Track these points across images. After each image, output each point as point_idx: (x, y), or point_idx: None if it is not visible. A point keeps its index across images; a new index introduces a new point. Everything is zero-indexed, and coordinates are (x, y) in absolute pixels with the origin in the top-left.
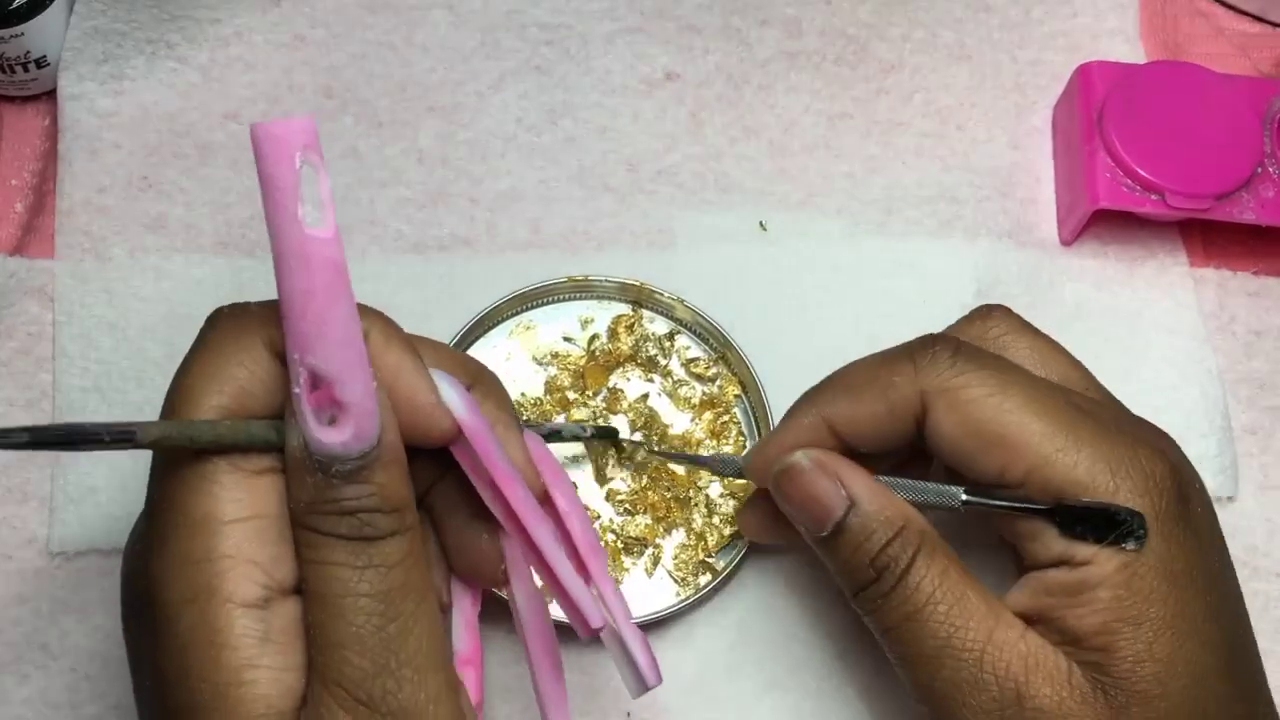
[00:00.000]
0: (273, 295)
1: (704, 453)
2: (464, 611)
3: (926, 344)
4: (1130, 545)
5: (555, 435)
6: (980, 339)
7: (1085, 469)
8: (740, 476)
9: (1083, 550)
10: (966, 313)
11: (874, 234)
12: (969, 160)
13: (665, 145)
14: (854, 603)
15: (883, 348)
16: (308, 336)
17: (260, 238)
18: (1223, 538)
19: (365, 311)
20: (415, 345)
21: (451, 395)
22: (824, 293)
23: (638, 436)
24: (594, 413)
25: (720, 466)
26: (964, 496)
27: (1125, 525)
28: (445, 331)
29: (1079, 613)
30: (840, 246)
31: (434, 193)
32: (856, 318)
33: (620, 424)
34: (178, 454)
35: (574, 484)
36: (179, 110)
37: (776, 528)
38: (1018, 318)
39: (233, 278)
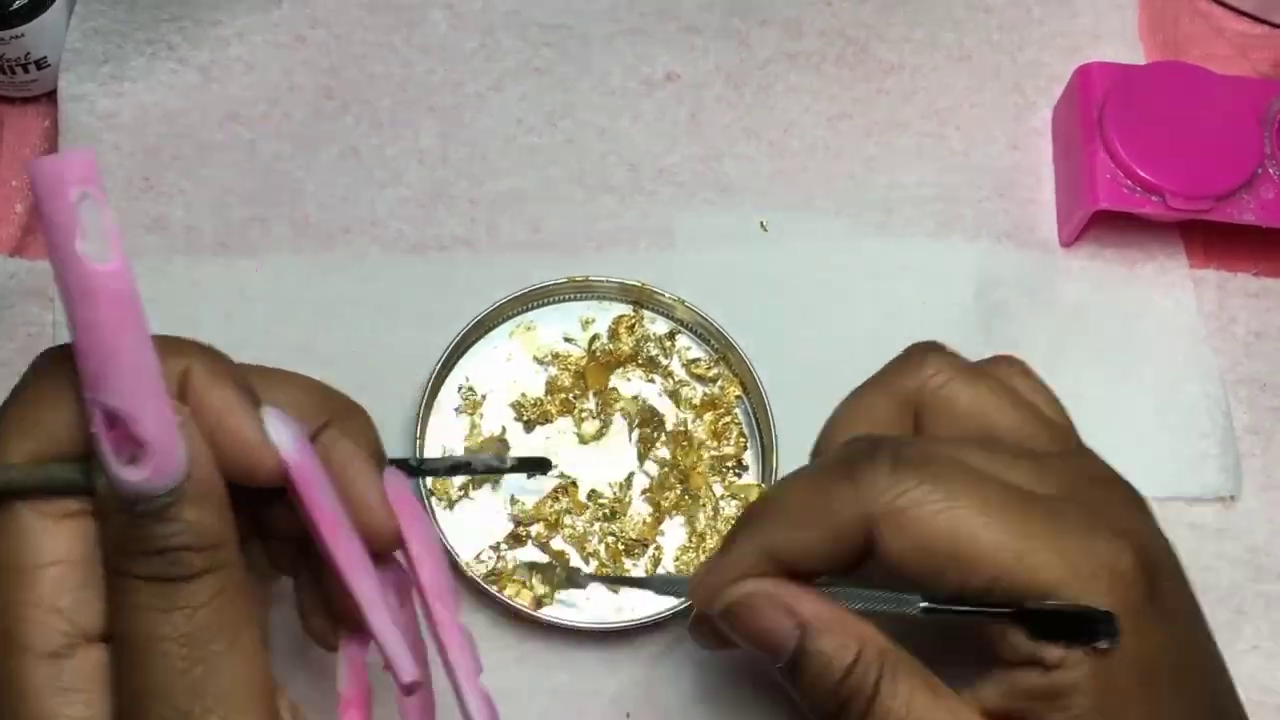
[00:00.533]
0: (270, 295)
1: (705, 454)
2: (349, 650)
3: (862, 455)
4: (1103, 644)
5: (464, 467)
6: (919, 390)
7: (1046, 575)
8: (685, 597)
9: (1053, 652)
10: (900, 354)
11: (874, 234)
12: (969, 161)
13: (665, 146)
14: None
15: (882, 348)
16: (96, 373)
17: (261, 239)
18: (1196, 607)
19: (186, 347)
20: (264, 380)
21: (281, 434)
22: (824, 293)
23: (579, 564)
24: (594, 413)
25: (664, 587)
26: (923, 604)
27: (1095, 625)
28: (445, 331)
29: (1056, 718)
30: (840, 247)
31: (434, 193)
32: (857, 318)
33: (619, 424)
34: None
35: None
36: (179, 111)
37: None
38: (955, 359)
39: (233, 279)
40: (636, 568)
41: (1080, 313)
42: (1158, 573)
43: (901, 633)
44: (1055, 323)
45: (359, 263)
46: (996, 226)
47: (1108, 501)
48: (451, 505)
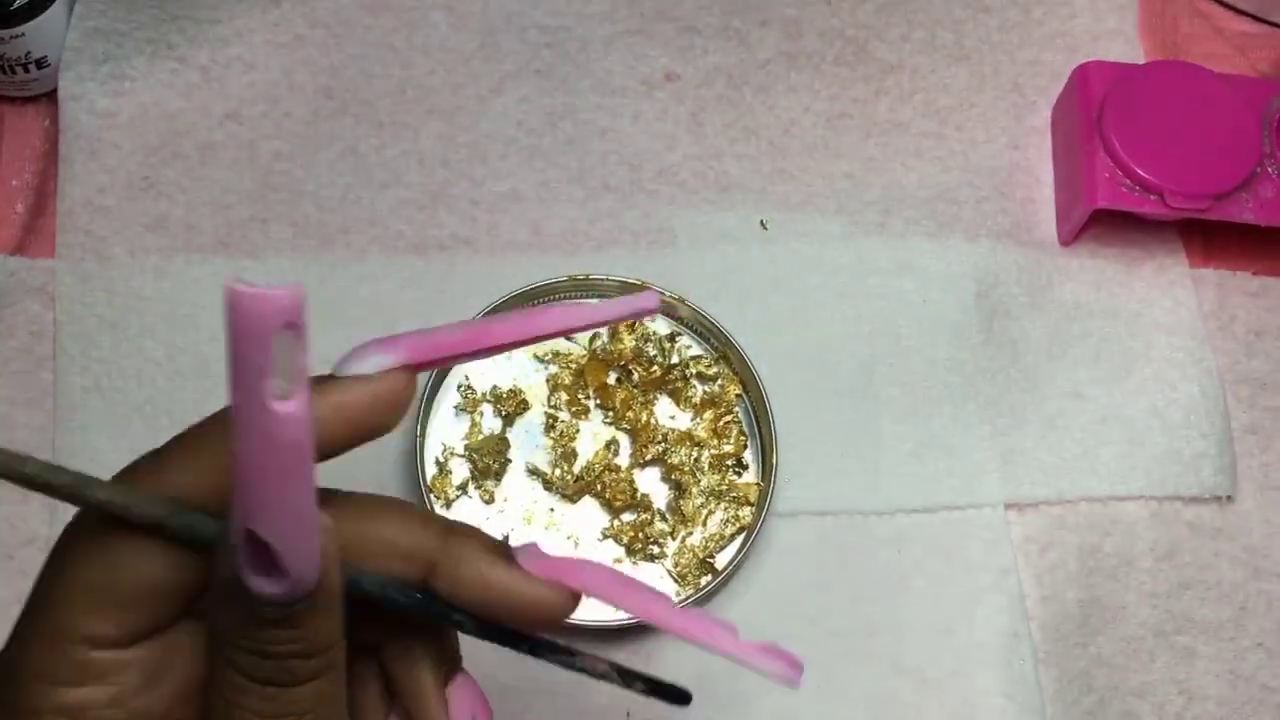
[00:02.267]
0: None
1: (707, 455)
2: None
3: None
4: None
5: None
6: None
7: None
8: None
9: None
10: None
11: (874, 234)
12: (968, 160)
13: (665, 146)
14: None
15: (882, 347)
16: (255, 506)
17: (261, 239)
18: None
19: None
20: (376, 514)
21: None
22: (824, 292)
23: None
24: (597, 406)
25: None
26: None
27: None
28: None
29: None
30: (840, 246)
31: (434, 193)
32: (856, 318)
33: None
34: None
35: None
36: (179, 110)
37: None
38: None
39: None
40: (637, 567)
41: (1080, 312)
42: None
43: None
44: (1055, 322)
45: (359, 263)
46: (996, 226)
47: None
48: (449, 504)
